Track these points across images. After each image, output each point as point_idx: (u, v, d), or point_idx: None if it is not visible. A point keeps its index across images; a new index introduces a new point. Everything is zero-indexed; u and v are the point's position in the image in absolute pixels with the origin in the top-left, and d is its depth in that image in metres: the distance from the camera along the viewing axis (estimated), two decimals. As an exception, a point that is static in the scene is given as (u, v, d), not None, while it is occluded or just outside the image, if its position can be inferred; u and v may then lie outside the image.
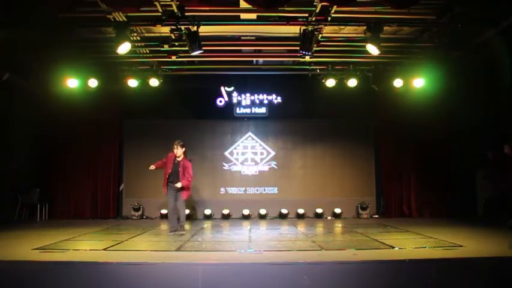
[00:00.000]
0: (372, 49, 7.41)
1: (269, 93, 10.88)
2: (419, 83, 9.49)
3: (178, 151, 7.23)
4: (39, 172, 10.08)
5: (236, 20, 7.39)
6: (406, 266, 4.55)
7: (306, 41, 7.46)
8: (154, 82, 9.57)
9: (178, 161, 7.24)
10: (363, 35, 7.52)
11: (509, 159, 7.78)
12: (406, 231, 7.39)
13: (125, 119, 10.78)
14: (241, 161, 10.86)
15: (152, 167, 7.44)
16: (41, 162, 10.13)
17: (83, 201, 10.29)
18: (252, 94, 10.88)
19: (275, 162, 10.87)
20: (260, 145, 10.95)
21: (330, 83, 9.72)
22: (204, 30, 7.40)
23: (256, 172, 10.80)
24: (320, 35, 7.82)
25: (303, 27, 7.40)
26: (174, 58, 8.86)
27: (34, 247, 5.55)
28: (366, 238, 6.67)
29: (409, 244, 5.94)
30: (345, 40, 8.32)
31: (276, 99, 10.89)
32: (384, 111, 10.60)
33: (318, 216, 10.42)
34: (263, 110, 10.90)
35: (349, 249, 5.50)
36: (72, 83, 9.28)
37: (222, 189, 10.71)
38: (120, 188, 10.68)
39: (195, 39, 7.26)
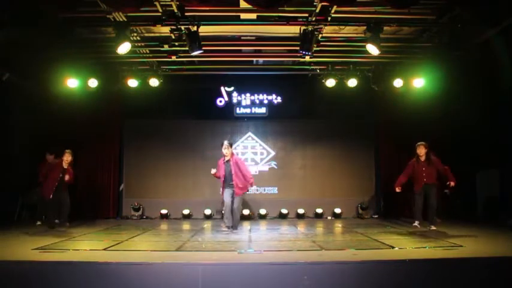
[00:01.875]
0: (372, 49, 7.42)
1: (269, 93, 10.89)
2: (419, 83, 9.48)
3: (228, 151, 7.46)
4: (39, 172, 10.07)
5: (236, 20, 7.39)
6: (406, 266, 4.55)
7: (306, 41, 7.46)
8: (154, 82, 9.57)
9: (227, 160, 7.45)
10: (363, 35, 7.52)
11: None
12: (406, 231, 7.38)
13: (125, 119, 10.78)
14: (241, 161, 10.87)
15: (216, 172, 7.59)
16: (41, 162, 10.11)
17: (83, 201, 10.29)
18: (252, 94, 10.89)
19: (275, 162, 10.87)
20: (260, 145, 10.95)
21: (330, 83, 9.71)
22: (204, 30, 7.40)
23: (256, 172, 10.78)
24: (320, 35, 7.82)
25: (303, 27, 7.40)
26: (174, 58, 8.86)
27: (34, 247, 5.55)
28: (366, 238, 6.67)
29: (409, 244, 5.94)
30: (345, 40, 8.31)
31: (276, 99, 10.90)
32: (384, 111, 10.61)
33: (318, 216, 10.43)
34: (263, 110, 10.90)
35: (349, 249, 5.50)
36: (72, 83, 9.27)
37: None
38: (120, 188, 10.68)
39: (195, 39, 7.26)
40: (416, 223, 7.77)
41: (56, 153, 8.70)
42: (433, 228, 7.59)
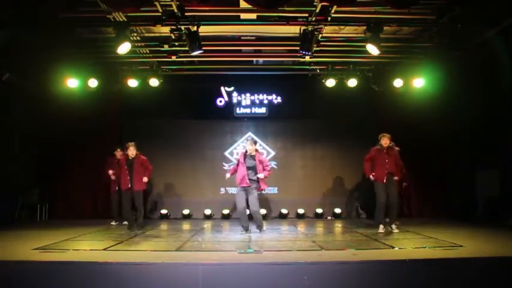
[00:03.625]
0: (372, 49, 7.41)
1: (269, 93, 10.88)
2: (419, 83, 9.49)
3: (252, 147, 7.44)
4: (39, 172, 10.09)
5: (236, 20, 7.39)
6: (406, 266, 4.55)
7: (306, 41, 7.45)
8: (154, 82, 9.57)
9: (252, 155, 7.42)
10: (363, 35, 7.52)
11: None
12: (406, 231, 7.38)
13: (125, 119, 10.76)
14: (242, 161, 10.86)
15: (228, 175, 7.62)
16: (41, 162, 10.13)
17: (83, 201, 10.29)
18: (252, 94, 10.88)
19: (275, 162, 10.86)
20: (260, 145, 10.94)
21: (330, 83, 9.72)
22: (204, 30, 7.40)
23: (256, 172, 10.78)
24: (320, 35, 7.82)
25: (303, 27, 7.39)
26: (174, 58, 8.86)
27: (34, 247, 5.55)
28: (365, 238, 6.68)
29: (409, 244, 5.94)
30: (345, 40, 8.32)
31: (276, 99, 10.90)
32: (384, 111, 10.59)
33: (318, 216, 10.43)
34: (263, 110, 10.90)
35: (349, 249, 5.50)
36: (72, 83, 9.28)
37: (222, 189, 10.71)
38: (120, 188, 10.67)
39: (195, 39, 7.26)
40: (381, 228, 7.33)
41: (121, 148, 8.79)
42: (396, 230, 7.30)
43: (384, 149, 7.49)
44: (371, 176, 7.50)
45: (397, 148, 7.63)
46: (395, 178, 7.51)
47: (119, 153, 8.84)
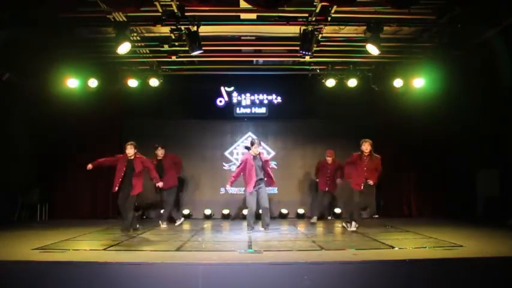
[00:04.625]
0: (372, 49, 7.41)
1: (269, 93, 10.88)
2: (419, 83, 9.49)
3: (258, 149, 7.64)
4: (39, 172, 10.09)
5: (236, 20, 7.39)
6: (406, 266, 4.55)
7: (306, 41, 7.46)
8: (154, 82, 9.57)
9: (258, 157, 7.60)
10: (363, 35, 7.52)
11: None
12: (406, 231, 7.38)
13: (125, 119, 10.76)
14: (241, 161, 10.86)
15: (228, 186, 7.85)
16: (40, 162, 10.13)
17: (83, 201, 10.28)
18: (252, 94, 10.88)
19: (275, 162, 10.86)
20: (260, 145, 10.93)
21: (330, 83, 9.72)
22: (204, 30, 7.40)
23: (256, 172, 10.76)
24: (320, 35, 7.82)
25: (303, 27, 7.40)
26: (174, 58, 8.85)
27: (34, 247, 5.55)
28: (366, 238, 6.67)
29: (409, 244, 5.93)
30: (345, 40, 8.32)
31: (276, 99, 10.89)
32: (384, 111, 10.59)
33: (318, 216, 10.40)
34: (263, 110, 10.90)
35: (349, 249, 5.49)
36: (72, 83, 9.28)
37: (222, 189, 10.70)
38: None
39: (195, 39, 7.26)
40: (353, 225, 7.54)
41: (162, 146, 8.86)
42: (354, 228, 7.55)
43: (364, 155, 7.49)
44: (347, 180, 7.73)
45: (378, 156, 7.58)
46: (370, 182, 7.47)
47: (160, 152, 8.72)
